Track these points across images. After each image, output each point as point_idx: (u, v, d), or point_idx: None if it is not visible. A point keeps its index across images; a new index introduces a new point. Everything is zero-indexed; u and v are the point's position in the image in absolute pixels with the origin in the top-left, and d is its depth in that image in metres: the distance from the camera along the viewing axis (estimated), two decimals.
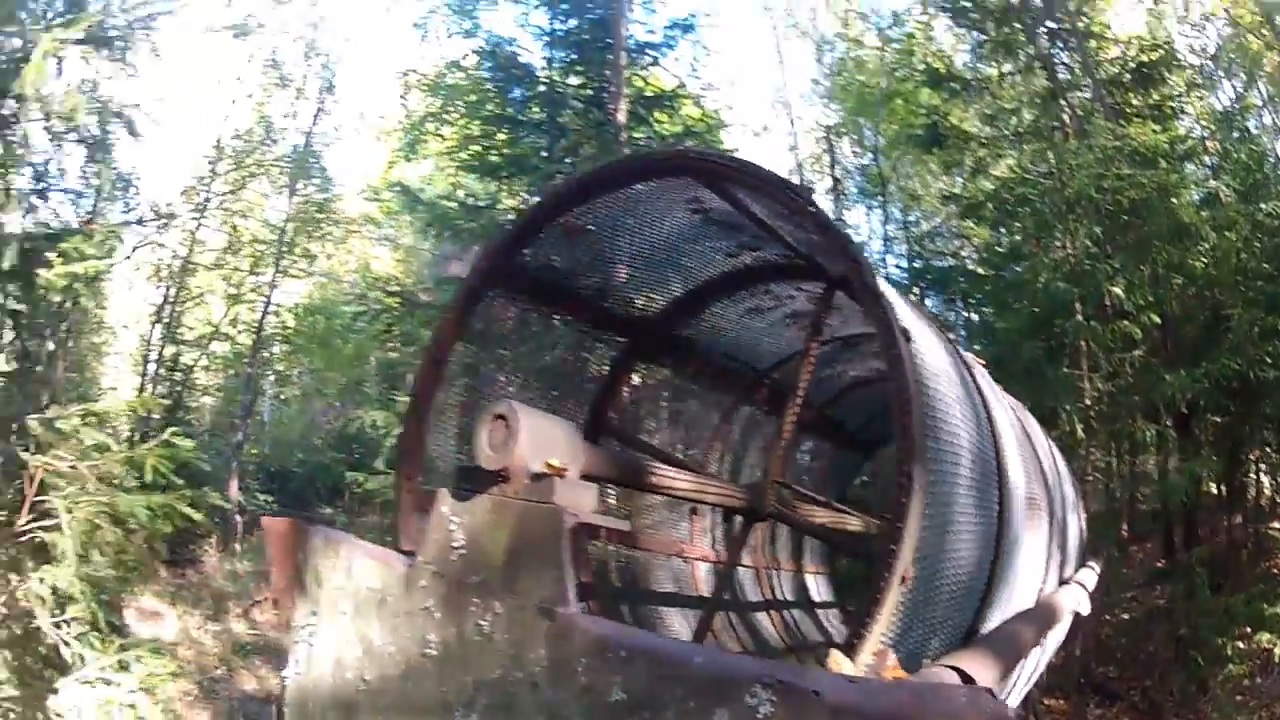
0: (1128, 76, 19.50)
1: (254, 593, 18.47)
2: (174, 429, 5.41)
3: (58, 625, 4.96)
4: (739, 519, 6.35)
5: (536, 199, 16.21)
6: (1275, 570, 13.40)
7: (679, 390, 7.77)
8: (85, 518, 4.74)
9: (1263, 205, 15.73)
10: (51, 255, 5.65)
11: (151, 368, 25.26)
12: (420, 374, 5.29)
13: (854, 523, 6.85)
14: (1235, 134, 19.75)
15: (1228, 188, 17.12)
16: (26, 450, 4.84)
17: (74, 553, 4.59)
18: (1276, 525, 14.55)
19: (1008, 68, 21.05)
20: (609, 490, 6.47)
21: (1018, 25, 20.29)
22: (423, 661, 3.29)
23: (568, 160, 17.05)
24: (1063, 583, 7.69)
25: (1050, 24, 20.37)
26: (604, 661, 2.63)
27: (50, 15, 7.22)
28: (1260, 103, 22.95)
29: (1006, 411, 6.16)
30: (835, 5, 32.55)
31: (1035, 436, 7.76)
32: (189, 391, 27.39)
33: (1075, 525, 9.31)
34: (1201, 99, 22.79)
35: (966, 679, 3.30)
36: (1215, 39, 24.24)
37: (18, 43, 6.60)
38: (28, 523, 4.71)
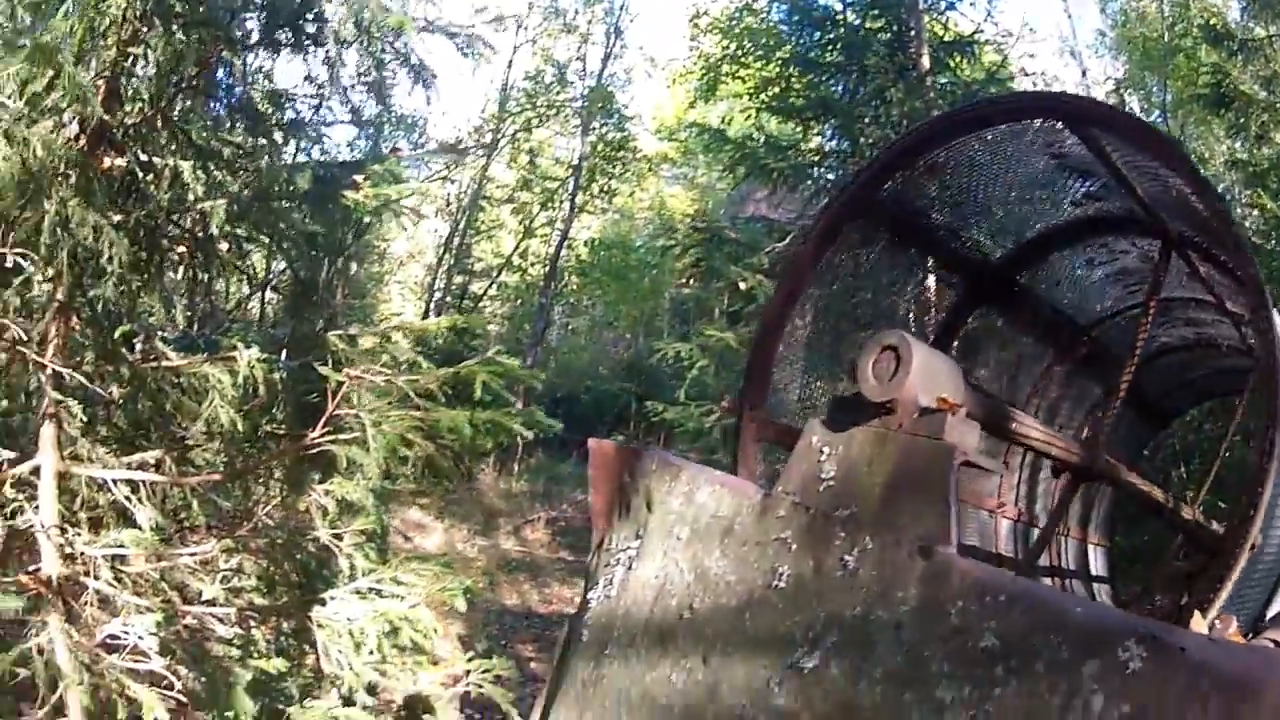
0: None
1: (527, 511, 18.90)
2: (499, 347, 5.35)
3: (337, 538, 4.98)
4: (1051, 478, 6.14)
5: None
6: None
7: (1005, 339, 7.53)
8: (395, 431, 4.71)
9: None
10: (358, 178, 5.68)
11: (438, 296, 26.18)
12: (773, 302, 5.41)
13: (1158, 493, 6.39)
14: None
15: None
16: (325, 364, 4.87)
17: (377, 465, 4.56)
18: None
19: (1275, 29, 19.01)
20: None
21: None
22: (768, 594, 3.23)
23: (874, 104, 16.45)
24: None
25: None
26: (981, 605, 2.54)
27: None
28: None
29: None
30: None
31: None
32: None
33: None
34: None
35: None
36: None
37: None
38: (321, 434, 4.70)
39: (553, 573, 16.00)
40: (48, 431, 4.64)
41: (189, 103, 5.21)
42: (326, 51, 5.46)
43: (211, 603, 4.75)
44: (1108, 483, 5.76)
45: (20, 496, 4.58)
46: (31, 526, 4.57)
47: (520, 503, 19.71)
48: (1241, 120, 19.15)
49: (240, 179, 5.07)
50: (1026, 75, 25.11)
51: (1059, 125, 4.86)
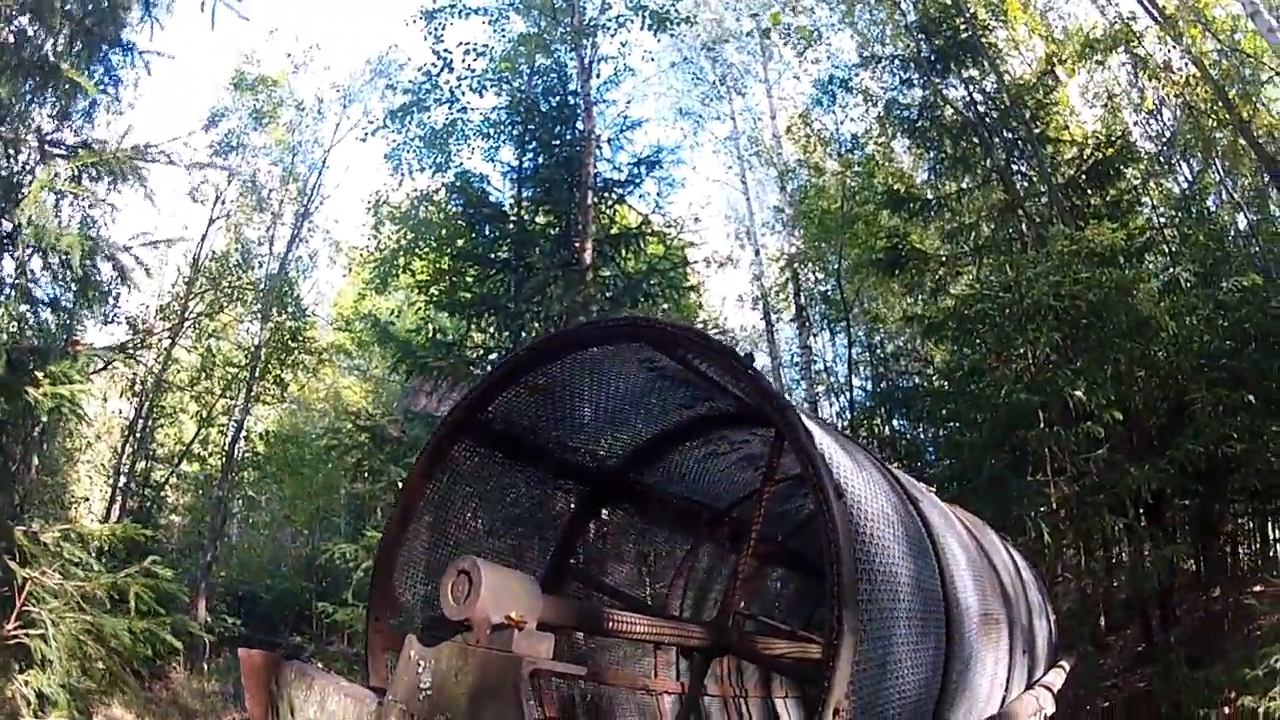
0: (1084, 177, 19.93)
1: (220, 711, 18.31)
2: (153, 557, 5.50)
3: None
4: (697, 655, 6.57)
5: (502, 357, 16.90)
6: (1256, 634, 13.36)
7: (642, 532, 7.99)
8: (71, 633, 4.83)
9: (1223, 284, 16.32)
10: (39, 374, 5.79)
11: (122, 480, 25.23)
12: (390, 522, 5.66)
13: (814, 650, 7.05)
14: (1194, 215, 20.54)
15: (1188, 272, 17.68)
16: (11, 558, 4.94)
17: (60, 664, 4.70)
18: (1255, 589, 14.51)
19: (966, 182, 21.45)
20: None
21: (975, 140, 20.75)
22: None
23: (535, 299, 17.22)
24: (1029, 686, 7.93)
25: (1007, 134, 20.82)
26: None
27: (42, 132, 7.48)
28: (1218, 178, 23.56)
29: (957, 534, 6.51)
30: (796, 133, 33.08)
31: (994, 551, 8.06)
32: (159, 508, 27.35)
33: (1043, 629, 9.60)
34: (1160, 185, 23.65)
35: None
36: (1171, 122, 24.91)
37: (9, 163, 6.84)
38: (15, 628, 4.79)
39: None
40: None
41: None
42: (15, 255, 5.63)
43: None
44: (739, 656, 6.21)
45: None
46: None
47: (213, 702, 19.16)
48: (917, 278, 21.05)
49: None
50: (691, 264, 26.50)
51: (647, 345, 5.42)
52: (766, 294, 32.48)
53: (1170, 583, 15.44)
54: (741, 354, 4.61)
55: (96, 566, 5.17)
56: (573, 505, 6.96)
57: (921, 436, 26.53)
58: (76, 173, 7.33)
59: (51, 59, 6.88)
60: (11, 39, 6.64)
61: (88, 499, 26.82)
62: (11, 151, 7.03)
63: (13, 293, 6.56)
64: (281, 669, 4.31)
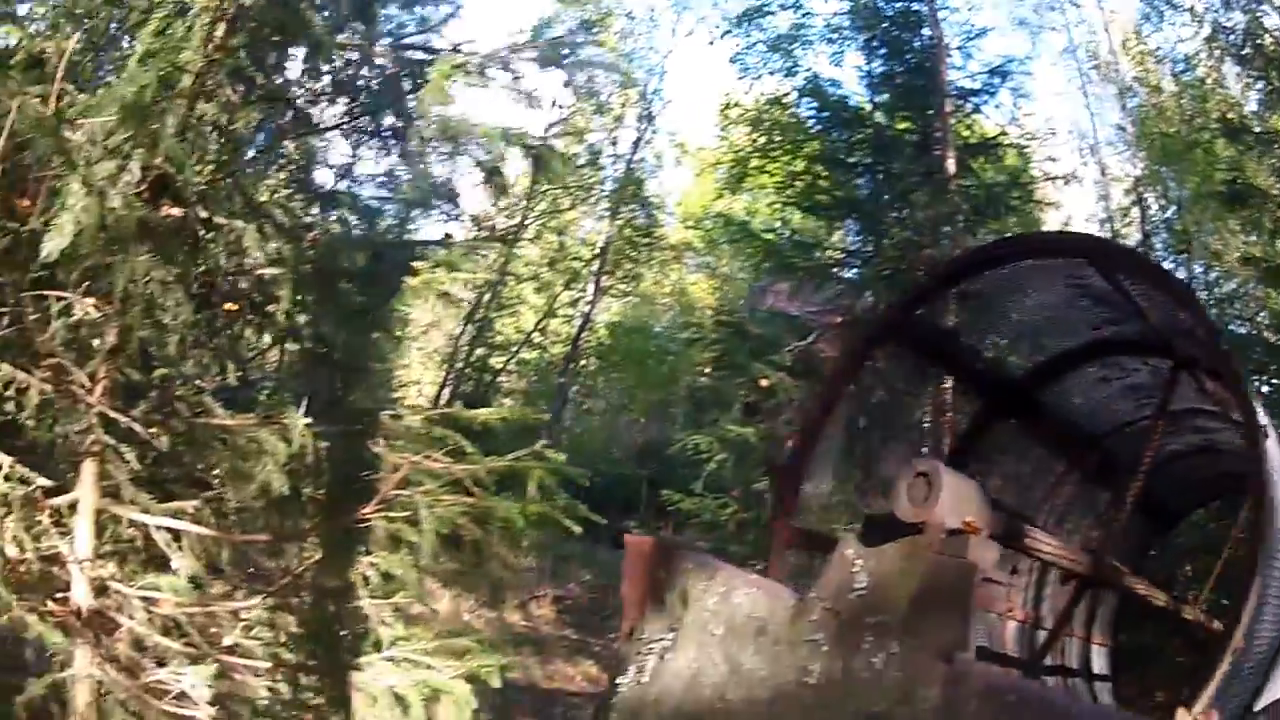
0: None
1: (534, 587, 18.80)
2: (543, 442, 5.45)
3: (375, 606, 5.04)
4: (1058, 583, 6.42)
5: (865, 261, 16.97)
6: None
7: (1020, 450, 7.89)
8: (448, 515, 4.80)
9: None
10: (413, 265, 5.83)
11: (458, 367, 26.45)
12: (807, 420, 5.85)
13: (1160, 596, 6.58)
14: None
15: None
16: (374, 442, 4.99)
17: (429, 545, 4.65)
18: None
19: None
20: None
21: None
22: (799, 690, 3.48)
23: (899, 206, 16.64)
24: None
25: None
26: (993, 704, 2.83)
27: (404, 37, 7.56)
28: None
29: None
30: (1130, 49, 30.64)
31: None
32: (494, 393, 28.47)
33: None
34: None
35: None
36: None
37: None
38: (372, 511, 4.79)
39: (557, 650, 15.91)
40: (89, 469, 4.69)
41: (255, 169, 5.31)
42: (404, 145, 5.64)
43: (247, 656, 4.79)
44: (1112, 589, 5.98)
45: (54, 529, 4.63)
46: (65, 559, 4.61)
47: (527, 578, 19.67)
48: (1256, 216, 19.18)
49: (299, 248, 5.16)
50: (1049, 180, 25.19)
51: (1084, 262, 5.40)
52: (1111, 218, 30.47)
53: None
54: (1185, 285, 4.44)
55: (471, 451, 5.12)
56: (974, 413, 7.13)
57: (1257, 387, 24.23)
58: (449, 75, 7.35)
59: None
60: None
61: (419, 382, 28.25)
62: (381, 51, 7.09)
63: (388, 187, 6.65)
64: (675, 557, 4.41)
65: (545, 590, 18.90)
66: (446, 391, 25.67)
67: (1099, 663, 10.15)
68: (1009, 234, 19.46)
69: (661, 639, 4.21)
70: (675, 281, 36.42)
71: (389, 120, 5.68)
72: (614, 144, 30.09)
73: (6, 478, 4.48)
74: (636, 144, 30.07)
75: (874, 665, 3.23)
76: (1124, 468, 7.27)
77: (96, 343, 4.74)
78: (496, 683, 5.09)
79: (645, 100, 30.71)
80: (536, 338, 29.52)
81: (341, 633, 5.09)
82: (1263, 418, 4.16)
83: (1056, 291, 6.04)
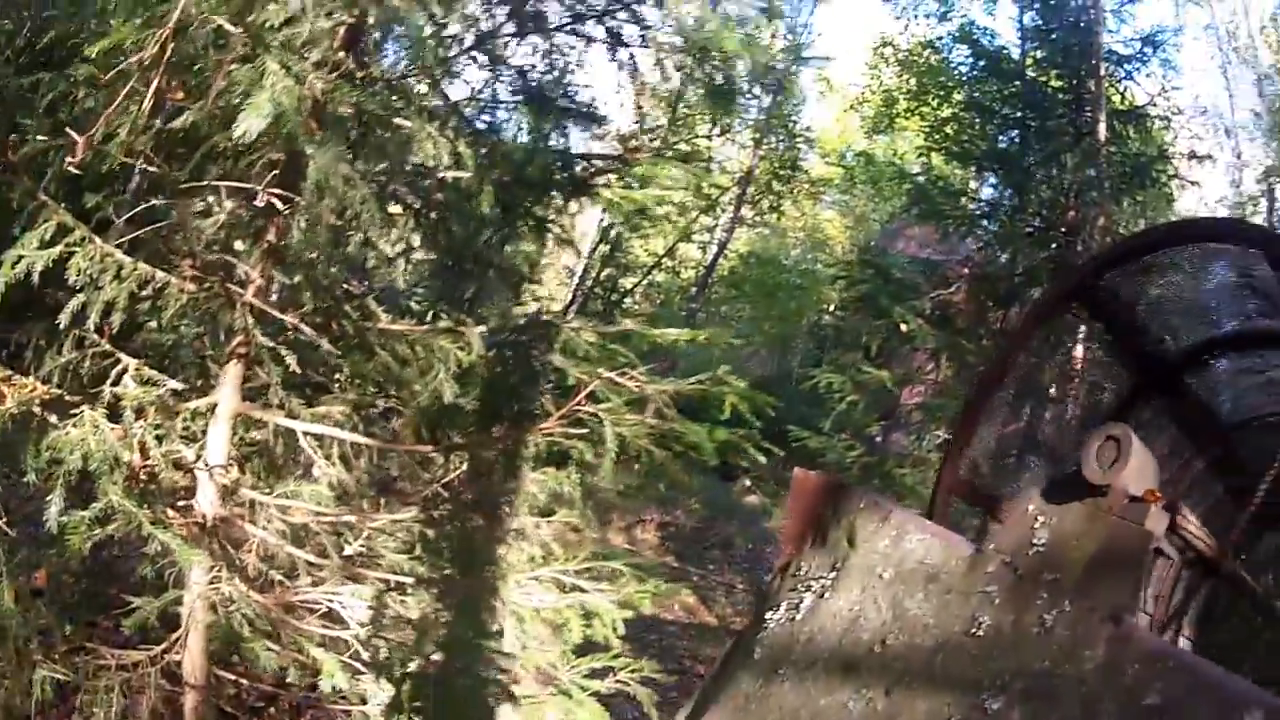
0: None
1: (639, 511, 18.86)
2: (725, 366, 5.36)
3: (537, 526, 5.02)
4: (1178, 569, 6.31)
5: (1009, 214, 16.60)
6: None
7: (1154, 430, 7.55)
8: (634, 437, 4.76)
9: None
10: (612, 178, 5.79)
11: (587, 284, 26.67)
12: (985, 373, 5.92)
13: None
14: None
15: None
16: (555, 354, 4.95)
17: (609, 463, 4.63)
18: None
19: None
20: None
21: None
22: (965, 640, 3.55)
23: (1049, 164, 16.24)
24: None
25: None
26: (1153, 669, 2.97)
27: None
28: None
29: None
30: (1269, 36, 29.60)
31: None
32: (621, 313, 28.46)
33: None
34: None
35: None
36: None
37: None
38: (554, 426, 4.74)
39: (659, 577, 16.00)
40: (233, 370, 4.66)
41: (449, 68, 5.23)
42: (631, 55, 5.53)
43: (394, 571, 4.79)
44: (1233, 582, 6.19)
45: (184, 434, 4.61)
46: (190, 465, 4.59)
47: (634, 500, 19.77)
48: None
49: (484, 154, 5.08)
50: (1191, 157, 24.55)
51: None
52: (1242, 205, 29.65)
53: None
54: None
55: (643, 371, 5.04)
56: (1128, 387, 7.11)
57: None
58: None
59: None
60: None
61: (552, 298, 28.46)
62: None
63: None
64: (846, 495, 4.41)
65: (651, 516, 18.96)
66: (574, 309, 25.75)
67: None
68: (1152, 206, 19.31)
69: (821, 577, 4.23)
70: (810, 216, 36.11)
71: (618, 23, 5.53)
72: (762, 75, 29.69)
73: (140, 381, 4.49)
74: (783, 72, 29.67)
75: (1044, 622, 3.34)
76: (1243, 461, 7.35)
77: (243, 245, 4.73)
78: (647, 608, 5.09)
79: (793, 33, 30.18)
80: (667, 261, 29.39)
81: (496, 550, 5.08)
82: None
83: (1225, 276, 6.14)
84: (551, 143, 5.61)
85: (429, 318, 5.44)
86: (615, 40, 5.48)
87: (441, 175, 4.85)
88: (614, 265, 27.51)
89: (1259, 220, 29.13)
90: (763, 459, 5.05)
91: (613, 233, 26.42)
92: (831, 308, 26.12)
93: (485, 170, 4.82)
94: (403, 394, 4.90)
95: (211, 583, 4.45)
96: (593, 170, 5.57)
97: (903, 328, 14.04)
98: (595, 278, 26.89)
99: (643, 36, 5.44)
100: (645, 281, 29.42)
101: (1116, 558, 3.44)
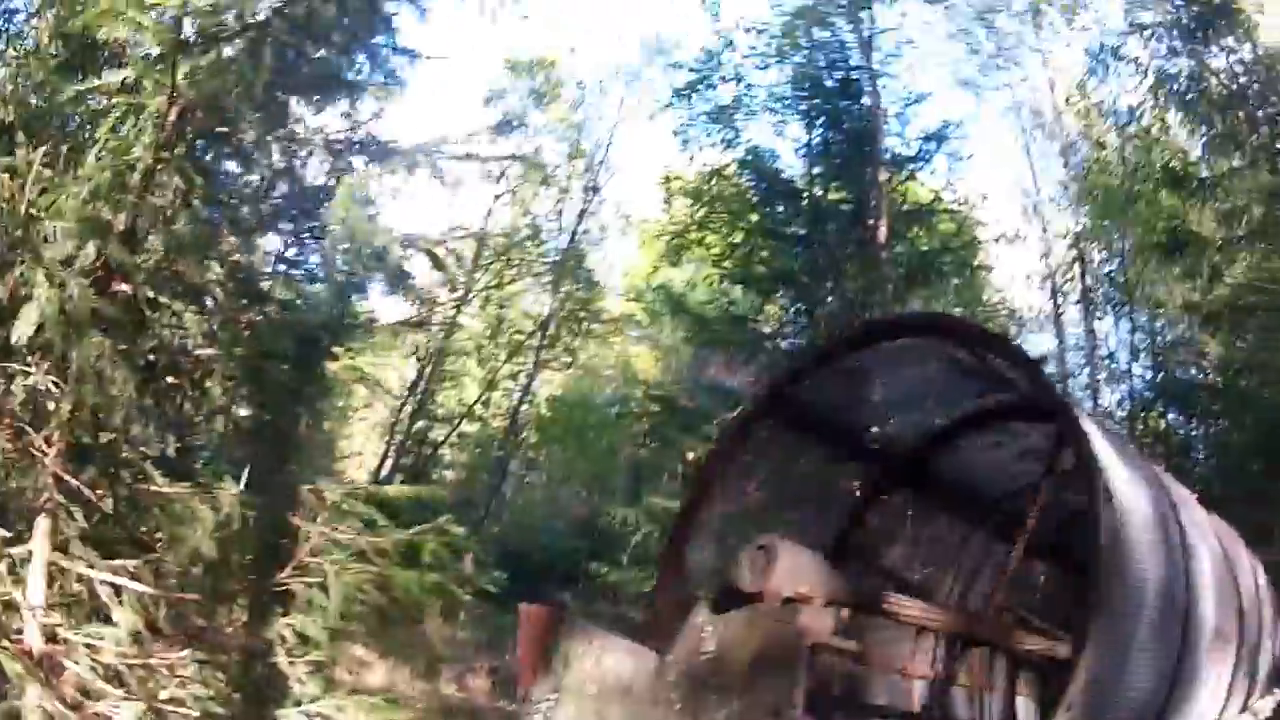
0: None
1: (470, 659, 18.87)
2: (447, 516, 6.01)
3: (292, 664, 5.53)
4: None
5: (796, 332, 17.31)
6: None
7: (920, 516, 8.06)
8: (354, 582, 5.35)
9: None
10: (335, 350, 6.45)
11: (399, 437, 26.59)
12: (688, 492, 5.94)
13: (1063, 649, 6.99)
14: None
15: None
16: (293, 513, 5.54)
17: (336, 610, 5.20)
18: None
19: (1236, 161, 19.28)
20: None
21: (1240, 114, 18.90)
22: None
23: (830, 276, 17.17)
24: (1243, 710, 7.58)
25: (1270, 109, 19.00)
26: None
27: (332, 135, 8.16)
28: None
29: (1210, 546, 6.44)
30: (1075, 104, 31.41)
31: (1239, 566, 7.74)
32: (434, 465, 28.58)
33: (1269, 650, 9.18)
34: None
35: None
36: None
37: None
38: (287, 576, 5.33)
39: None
40: (44, 524, 5.14)
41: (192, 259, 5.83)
42: (320, 243, 6.21)
43: (179, 705, 5.20)
44: (995, 649, 6.35)
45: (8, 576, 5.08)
46: (17, 605, 5.04)
47: (464, 650, 19.73)
48: (1196, 263, 19.63)
49: (233, 331, 5.68)
50: (980, 244, 25.73)
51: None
52: (1054, 273, 31.14)
53: None
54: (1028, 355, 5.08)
55: (381, 522, 5.68)
56: (861, 486, 7.30)
57: (1195, 433, 24.97)
58: (370, 169, 7.93)
59: (333, 71, 7.49)
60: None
61: (360, 453, 28.44)
62: (307, 153, 7.68)
63: (314, 279, 7.27)
64: (562, 624, 4.67)
65: (481, 663, 18.96)
66: (389, 464, 25.80)
67: (1026, 713, 10.57)
68: (939, 299, 20.13)
69: (548, 700, 4.55)
70: (619, 354, 36.83)
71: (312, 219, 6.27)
72: (559, 216, 30.59)
73: None
74: (581, 215, 30.50)
75: None
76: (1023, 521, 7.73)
77: (52, 407, 5.23)
78: None
79: (592, 171, 31.18)
80: (478, 410, 29.70)
81: (261, 686, 5.52)
82: (1110, 474, 4.48)
83: (930, 366, 6.36)
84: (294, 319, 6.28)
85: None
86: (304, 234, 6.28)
87: (198, 352, 5.42)
88: (424, 417, 27.66)
89: (1074, 285, 30.53)
90: (466, 597, 5.57)
91: (420, 385, 26.70)
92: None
93: (230, 346, 5.41)
94: (174, 548, 5.36)
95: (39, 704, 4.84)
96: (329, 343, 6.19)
97: (688, 455, 14.53)
98: (406, 432, 26.95)
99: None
100: (456, 433, 29.58)
101: (773, 659, 3.74)
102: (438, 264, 7.28)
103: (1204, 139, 20.86)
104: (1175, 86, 20.67)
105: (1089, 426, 4.62)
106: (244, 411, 6.29)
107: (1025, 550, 7.09)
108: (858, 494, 7.32)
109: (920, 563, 8.24)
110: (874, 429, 7.09)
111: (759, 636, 3.81)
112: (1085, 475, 4.21)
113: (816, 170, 19.26)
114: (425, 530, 5.71)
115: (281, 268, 6.69)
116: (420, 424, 27.43)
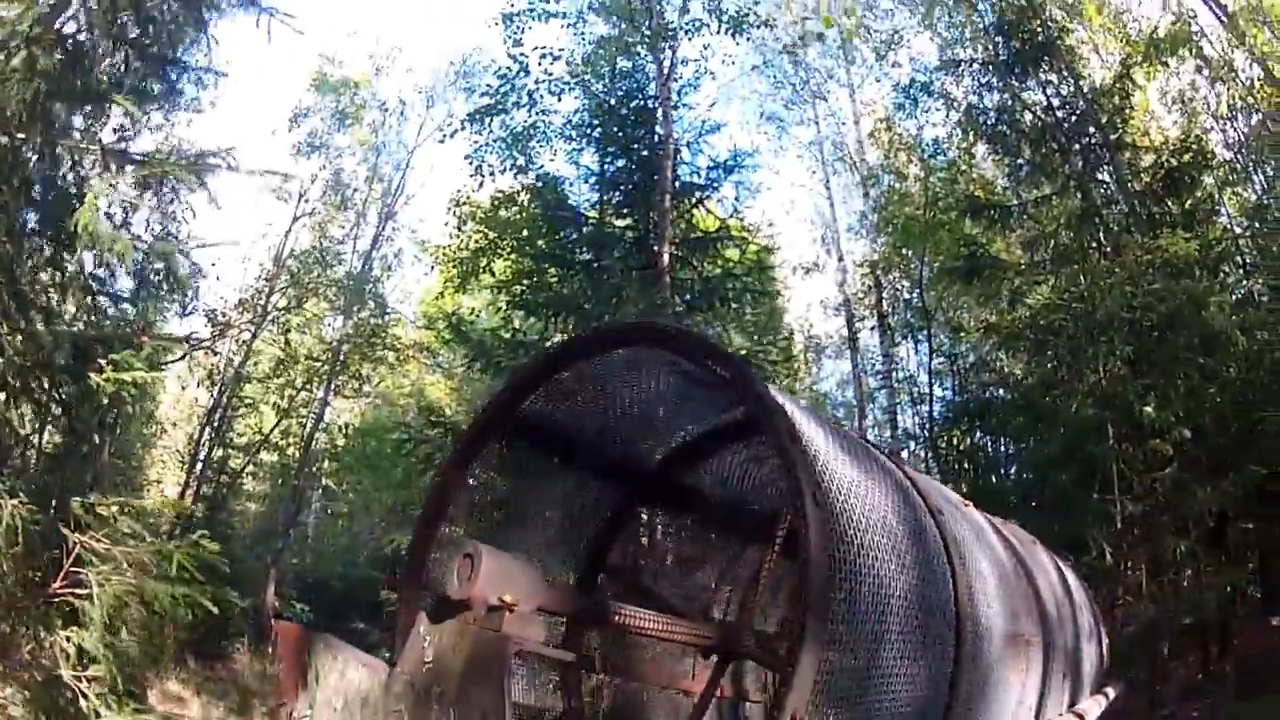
0: (1160, 185, 19.16)
1: (282, 694, 18.62)
2: (204, 532, 5.98)
3: (78, 680, 5.51)
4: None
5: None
6: None
7: (691, 535, 8.12)
8: (115, 594, 5.34)
9: None
10: (103, 361, 6.38)
11: (198, 467, 26.06)
12: (425, 509, 5.90)
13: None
14: (1270, 225, 19.89)
15: (1263, 285, 17.30)
16: (67, 526, 5.49)
17: (100, 621, 5.21)
18: None
19: (1045, 189, 20.95)
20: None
21: (1054, 145, 20.19)
22: None
23: (612, 301, 17.41)
24: (1068, 710, 8.06)
25: (1085, 141, 20.21)
26: None
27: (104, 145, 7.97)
28: None
29: (989, 551, 6.56)
30: (879, 138, 32.72)
31: (1039, 570, 8.09)
32: (234, 494, 28.15)
33: (1091, 654, 9.63)
34: (1238, 194, 23.06)
35: None
36: (1245, 129, 24.25)
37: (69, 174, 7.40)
38: (61, 588, 5.30)
39: None
40: None
41: None
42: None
43: None
44: (748, 659, 6.46)
45: None
46: None
47: (274, 683, 19.57)
48: (995, 286, 20.62)
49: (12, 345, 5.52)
50: (771, 269, 26.36)
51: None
52: (850, 301, 32.19)
53: (1230, 610, 15.01)
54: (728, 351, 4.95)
55: (149, 537, 5.66)
56: (612, 503, 7.17)
57: (1002, 450, 26.33)
58: (140, 181, 7.77)
59: (107, 82, 7.38)
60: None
61: (160, 482, 27.67)
62: (74, 161, 7.57)
63: (75, 289, 7.17)
64: (312, 641, 4.71)
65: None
66: (190, 492, 25.06)
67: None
68: (723, 323, 20.51)
69: (306, 715, 4.61)
70: (414, 381, 36.60)
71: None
72: (354, 241, 30.29)
73: None
74: (376, 240, 30.41)
75: None
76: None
77: None
78: None
79: (389, 195, 31.22)
80: (275, 438, 29.05)
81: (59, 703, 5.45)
82: (830, 469, 4.57)
83: (669, 379, 6.23)
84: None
85: None
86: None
87: None
88: (222, 445, 27.01)
89: (872, 310, 31.77)
90: (214, 609, 5.58)
91: (216, 414, 26.05)
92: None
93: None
94: None
95: None
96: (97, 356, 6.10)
97: (470, 481, 14.46)
98: (205, 459, 26.24)
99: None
100: (253, 461, 28.88)
101: (481, 665, 3.81)
102: (186, 273, 7.16)
103: (1011, 170, 22.41)
104: (986, 119, 22.13)
105: (801, 420, 4.63)
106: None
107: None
108: (607, 513, 7.19)
109: (692, 581, 8.25)
110: (617, 445, 6.89)
111: (467, 644, 3.89)
112: (789, 477, 4.22)
113: (606, 197, 19.93)
114: (178, 543, 5.69)
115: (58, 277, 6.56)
116: (219, 452, 26.71)
